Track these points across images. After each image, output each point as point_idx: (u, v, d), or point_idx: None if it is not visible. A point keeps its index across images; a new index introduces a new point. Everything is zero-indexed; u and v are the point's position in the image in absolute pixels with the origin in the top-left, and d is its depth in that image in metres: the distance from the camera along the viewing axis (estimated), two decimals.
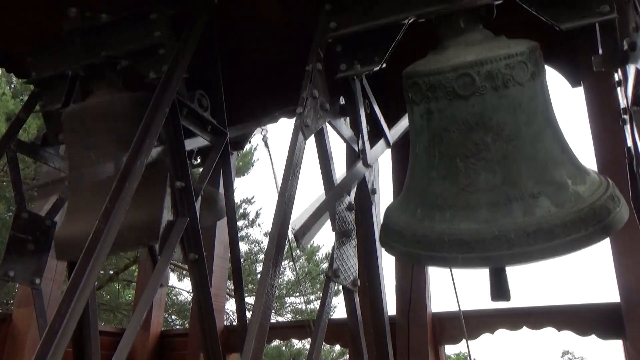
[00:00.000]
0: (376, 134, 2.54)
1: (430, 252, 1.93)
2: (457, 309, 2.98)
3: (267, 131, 3.21)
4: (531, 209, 1.83)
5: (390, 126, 2.64)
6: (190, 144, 2.81)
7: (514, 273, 1.90)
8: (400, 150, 3.60)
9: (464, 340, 3.54)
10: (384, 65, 2.28)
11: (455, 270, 2.51)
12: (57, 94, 2.92)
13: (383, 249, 2.25)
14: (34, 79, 2.98)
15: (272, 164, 2.94)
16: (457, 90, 1.92)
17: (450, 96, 1.94)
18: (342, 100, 2.37)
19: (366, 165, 2.35)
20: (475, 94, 1.90)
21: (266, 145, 3.14)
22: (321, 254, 17.02)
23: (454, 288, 2.73)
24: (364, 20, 2.27)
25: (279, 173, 1.97)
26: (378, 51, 2.25)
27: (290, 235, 1.88)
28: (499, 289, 1.87)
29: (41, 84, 3.00)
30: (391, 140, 2.61)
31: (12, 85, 13.21)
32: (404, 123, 2.68)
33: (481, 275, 1.94)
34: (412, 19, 2.19)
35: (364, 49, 2.28)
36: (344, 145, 2.43)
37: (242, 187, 23.51)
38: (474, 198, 1.90)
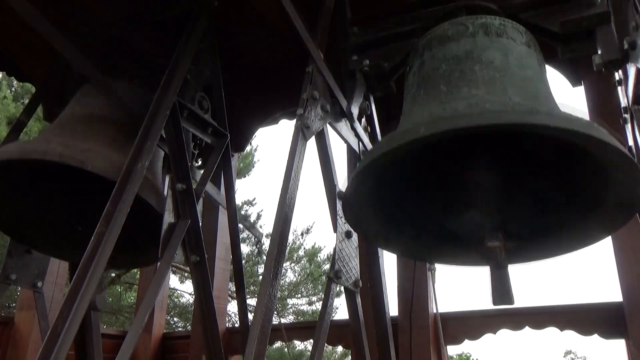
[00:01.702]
0: (374, 137, 2.55)
1: (391, 140, 1.68)
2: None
3: None
4: (512, 107, 1.68)
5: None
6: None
7: (514, 273, 1.85)
8: None
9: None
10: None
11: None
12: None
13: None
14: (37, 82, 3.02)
15: None
16: (450, 35, 1.94)
17: (443, 41, 1.95)
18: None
19: None
20: (467, 36, 1.91)
21: None
22: (323, 255, 17.05)
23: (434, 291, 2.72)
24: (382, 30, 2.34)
25: (281, 174, 1.96)
26: (389, 58, 2.31)
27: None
28: (501, 290, 1.77)
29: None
30: None
31: (13, 89, 13.22)
32: None
33: (486, 275, 1.91)
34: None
35: (377, 54, 2.34)
36: (344, 145, 2.43)
37: (243, 189, 23.52)
38: (453, 104, 1.75)
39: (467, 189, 1.91)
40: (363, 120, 2.40)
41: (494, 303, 1.76)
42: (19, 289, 4.25)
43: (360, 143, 2.38)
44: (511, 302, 1.76)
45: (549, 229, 1.95)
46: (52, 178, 2.74)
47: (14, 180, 2.64)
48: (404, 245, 2.13)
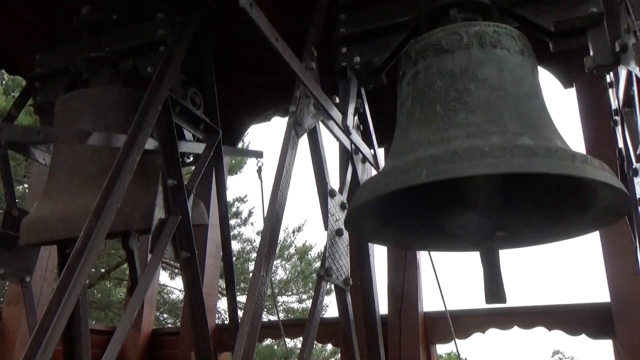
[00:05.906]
0: (366, 135, 2.55)
1: (393, 180, 1.70)
2: (448, 309, 3.00)
3: (262, 163, 3.33)
4: (510, 142, 1.65)
5: (379, 136, 2.66)
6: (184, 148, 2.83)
7: (507, 272, 1.89)
8: None
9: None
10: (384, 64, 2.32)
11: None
12: (58, 88, 2.95)
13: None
14: (36, 74, 3.01)
15: (262, 195, 3.02)
16: (444, 45, 1.94)
17: (437, 52, 1.95)
18: (335, 99, 2.37)
19: (359, 162, 2.35)
20: (461, 48, 1.91)
21: (259, 175, 3.23)
22: (313, 253, 17.06)
23: (440, 288, 2.75)
24: (372, 21, 2.34)
25: (273, 172, 1.96)
26: (380, 52, 2.31)
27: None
28: (494, 290, 1.83)
29: (42, 78, 3.03)
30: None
31: (4, 82, 13.11)
32: None
33: (475, 275, 1.94)
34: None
35: (368, 47, 2.35)
36: (337, 143, 2.43)
37: (234, 186, 23.46)
38: (450, 133, 1.75)
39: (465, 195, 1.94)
40: (356, 117, 2.39)
41: (487, 301, 1.79)
42: (7, 283, 4.21)
43: (352, 141, 2.38)
44: (503, 300, 1.81)
45: (542, 222, 2.00)
46: None
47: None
48: (393, 236, 2.17)
